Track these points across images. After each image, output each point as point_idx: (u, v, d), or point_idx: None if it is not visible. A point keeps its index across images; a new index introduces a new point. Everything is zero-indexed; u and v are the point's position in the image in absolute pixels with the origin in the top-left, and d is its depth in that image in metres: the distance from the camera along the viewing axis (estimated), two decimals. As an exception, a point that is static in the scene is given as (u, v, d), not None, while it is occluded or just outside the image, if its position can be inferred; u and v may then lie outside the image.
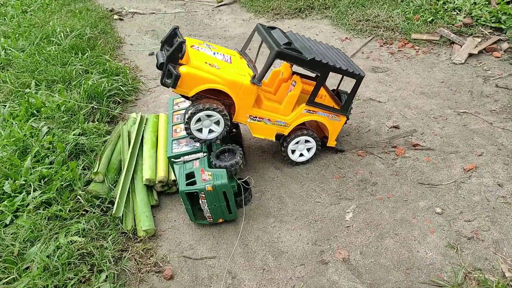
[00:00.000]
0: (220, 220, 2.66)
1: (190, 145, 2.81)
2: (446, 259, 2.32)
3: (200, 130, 2.67)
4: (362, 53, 4.58)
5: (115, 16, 6.14)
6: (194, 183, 2.51)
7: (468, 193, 2.70)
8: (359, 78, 2.83)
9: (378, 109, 3.62)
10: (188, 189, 2.48)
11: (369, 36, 4.84)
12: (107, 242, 2.40)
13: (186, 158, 2.70)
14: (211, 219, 2.63)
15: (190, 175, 2.60)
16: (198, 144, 2.80)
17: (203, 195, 2.50)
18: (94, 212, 2.57)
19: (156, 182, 2.85)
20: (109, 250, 2.35)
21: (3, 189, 2.59)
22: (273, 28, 2.98)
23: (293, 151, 3.01)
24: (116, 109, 3.75)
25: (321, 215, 2.68)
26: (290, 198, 2.82)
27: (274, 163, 3.15)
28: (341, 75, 2.95)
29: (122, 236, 2.54)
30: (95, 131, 3.28)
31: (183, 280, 2.35)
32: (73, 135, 3.09)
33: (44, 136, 3.07)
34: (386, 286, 2.21)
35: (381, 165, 3.02)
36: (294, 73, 3.08)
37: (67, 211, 2.50)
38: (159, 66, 2.51)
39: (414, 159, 3.02)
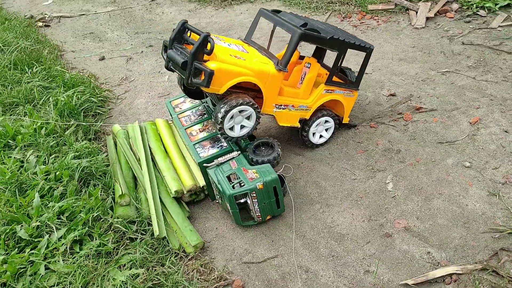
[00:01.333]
0: (268, 217, 2.56)
1: (216, 147, 2.64)
2: (493, 206, 2.50)
3: (231, 128, 2.52)
4: (325, 29, 4.69)
5: (39, 24, 5.46)
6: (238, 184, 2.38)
7: (484, 143, 2.93)
8: (370, 51, 2.89)
9: (368, 81, 3.74)
10: (237, 192, 2.34)
11: (326, 13, 4.95)
12: (169, 267, 2.17)
13: (220, 160, 2.54)
14: (260, 218, 2.52)
15: (229, 178, 2.45)
16: (225, 144, 2.65)
17: (254, 195, 2.38)
18: (141, 238, 2.30)
19: (185, 192, 2.64)
20: (177, 275, 2.13)
21: (18, 235, 2.20)
22: (278, 11, 2.89)
23: (313, 134, 2.99)
24: (98, 122, 3.37)
25: (363, 191, 2.71)
26: (325, 181, 2.81)
27: (293, 150, 3.10)
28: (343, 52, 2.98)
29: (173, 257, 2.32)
30: (89, 151, 2.92)
31: (257, 286, 2.23)
32: (71, 158, 2.72)
33: (35, 167, 2.65)
34: (454, 243, 2.33)
35: (396, 132, 3.13)
36: (301, 57, 3.04)
37: (109, 244, 2.20)
38: (182, 65, 2.29)
39: (423, 121, 3.19)
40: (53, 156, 2.75)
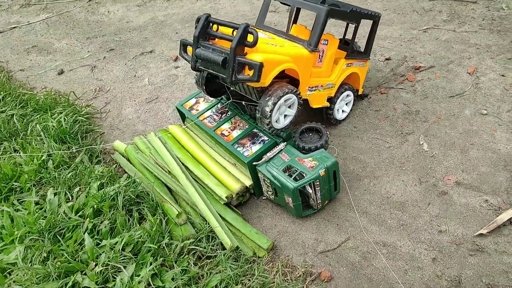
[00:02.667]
0: (326, 202, 2.53)
1: (257, 142, 2.53)
2: (522, 145, 2.72)
3: (276, 120, 2.42)
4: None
5: (-36, 45, 4.73)
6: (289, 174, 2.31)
7: (489, 90, 3.14)
8: (378, 19, 2.92)
9: (357, 49, 3.80)
10: (302, 183, 2.27)
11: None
12: (263, 277, 2.06)
13: (269, 155, 2.43)
14: (320, 205, 2.48)
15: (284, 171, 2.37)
16: (265, 138, 2.54)
17: (317, 183, 2.32)
18: (216, 254, 2.15)
19: (234, 196, 2.50)
20: (275, 283, 2.03)
21: (84, 286, 1.94)
22: None
23: (337, 110, 2.98)
24: (100, 144, 3.05)
25: (402, 156, 2.78)
26: (362, 154, 2.83)
27: (316, 130, 3.07)
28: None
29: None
30: (110, 175, 2.64)
31: (343, 272, 2.21)
32: (98, 188, 2.44)
33: (60, 206, 2.34)
34: (503, 186, 2.49)
35: (407, 94, 3.24)
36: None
37: (192, 268, 2.03)
38: (223, 63, 2.12)
39: (426, 79, 3.33)
40: (75, 189, 2.44)
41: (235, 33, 2.19)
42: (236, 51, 2.10)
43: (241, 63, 2.12)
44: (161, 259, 2.04)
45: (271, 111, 2.29)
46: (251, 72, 2.14)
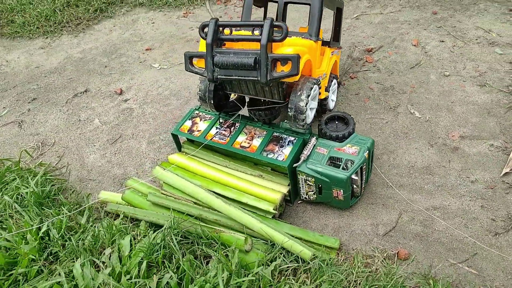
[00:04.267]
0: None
1: (286, 144, 2.42)
2: (490, 91, 3.09)
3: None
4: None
5: None
6: (335, 166, 2.26)
7: (438, 55, 3.53)
8: (343, 7, 3.05)
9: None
10: (353, 171, 2.23)
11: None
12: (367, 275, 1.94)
13: (305, 153, 2.33)
14: (363, 190, 2.46)
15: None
16: (291, 138, 2.44)
17: (364, 167, 2.31)
18: (321, 263, 1.96)
19: (277, 206, 2.34)
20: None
21: None
22: None
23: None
24: (90, 202, 2.57)
25: (403, 127, 2.93)
26: (367, 135, 2.91)
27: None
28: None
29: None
30: (124, 227, 2.25)
31: (414, 245, 2.22)
32: (132, 246, 2.05)
33: (96, 277, 1.90)
34: (497, 129, 2.80)
35: (374, 74, 3.44)
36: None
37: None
38: (254, 64, 1.98)
39: (383, 58, 3.59)
40: (106, 252, 2.00)
41: (256, 32, 2.08)
42: (267, 48, 1.98)
43: (275, 59, 2.00)
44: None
45: (306, 104, 2.20)
46: (285, 68, 2.03)
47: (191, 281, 1.85)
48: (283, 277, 1.90)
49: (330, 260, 2.03)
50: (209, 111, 2.71)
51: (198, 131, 2.60)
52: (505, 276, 2.03)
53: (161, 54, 4.10)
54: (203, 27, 2.15)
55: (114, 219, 2.49)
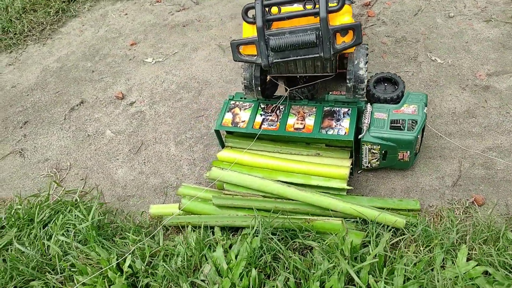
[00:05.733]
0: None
1: (342, 118, 2.35)
2: (497, 25, 3.15)
3: None
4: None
5: None
6: (399, 128, 2.24)
7: (436, -3, 3.53)
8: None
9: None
10: (418, 130, 2.21)
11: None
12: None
13: (365, 121, 2.28)
14: (420, 147, 2.47)
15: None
16: (344, 110, 2.36)
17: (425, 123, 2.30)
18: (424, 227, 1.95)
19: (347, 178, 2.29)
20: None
21: None
22: None
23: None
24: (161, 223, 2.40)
25: (429, 75, 2.94)
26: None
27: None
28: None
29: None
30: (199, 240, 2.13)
31: (484, 189, 2.28)
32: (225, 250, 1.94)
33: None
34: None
35: (381, 27, 3.41)
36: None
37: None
38: (316, 39, 1.87)
39: (383, 9, 3.57)
40: (204, 270, 1.89)
41: (308, 6, 1.94)
42: (327, 21, 1.87)
43: (337, 31, 1.90)
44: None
45: (366, 71, 2.13)
46: (346, 38, 1.94)
47: (306, 278, 1.80)
48: (394, 250, 1.89)
49: (427, 222, 2.03)
50: (245, 98, 2.57)
51: (242, 121, 2.46)
52: None
53: (150, 46, 3.81)
54: (246, 10, 1.99)
55: (177, 233, 2.37)
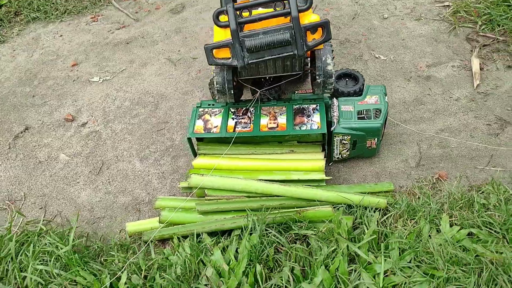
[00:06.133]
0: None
1: (312, 114, 2.46)
2: (432, 5, 3.52)
3: None
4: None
5: None
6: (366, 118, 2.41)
7: (367, 2, 3.83)
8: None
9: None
10: (383, 118, 2.38)
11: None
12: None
13: (335, 115, 2.41)
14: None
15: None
16: (313, 106, 2.48)
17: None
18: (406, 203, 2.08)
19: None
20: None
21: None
22: None
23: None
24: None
25: (376, 70, 3.18)
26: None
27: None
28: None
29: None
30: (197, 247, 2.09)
31: (447, 165, 2.51)
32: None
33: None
34: (449, 51, 3.23)
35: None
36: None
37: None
38: (291, 38, 1.96)
39: (323, 16, 3.77)
40: (200, 278, 1.84)
41: (277, 8, 2.03)
42: (299, 19, 1.97)
43: (308, 28, 2.00)
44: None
45: (334, 66, 2.25)
46: (316, 35, 2.05)
47: (309, 266, 1.83)
48: (384, 228, 2.00)
49: (406, 199, 2.18)
50: (213, 105, 2.58)
51: (215, 127, 2.46)
52: (525, 163, 2.44)
53: (94, 66, 3.66)
54: (218, 14, 2.02)
55: (159, 247, 2.28)
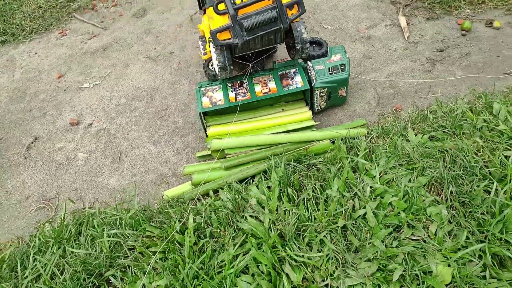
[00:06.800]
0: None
1: (295, 76, 3.05)
2: (358, -5, 4.25)
3: None
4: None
5: None
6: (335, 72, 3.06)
7: None
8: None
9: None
10: (349, 68, 3.04)
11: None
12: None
13: (313, 73, 3.03)
14: (347, 86, 3.33)
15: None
16: (293, 69, 3.08)
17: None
18: (375, 134, 2.75)
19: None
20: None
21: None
22: None
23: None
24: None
25: (330, 38, 3.84)
26: (312, 54, 3.73)
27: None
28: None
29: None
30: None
31: (399, 99, 3.24)
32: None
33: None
34: (373, 15, 3.98)
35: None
36: None
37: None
38: (277, 14, 2.54)
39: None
40: (247, 209, 2.38)
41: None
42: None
43: (287, 6, 2.59)
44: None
45: (307, 34, 2.86)
46: (293, 11, 2.64)
47: (325, 183, 2.45)
48: (370, 143, 2.66)
49: (379, 125, 2.87)
50: (212, 84, 3.09)
51: (219, 100, 2.98)
52: (453, 88, 3.23)
53: (79, 74, 3.98)
54: (217, 4, 2.53)
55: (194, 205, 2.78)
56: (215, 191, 2.72)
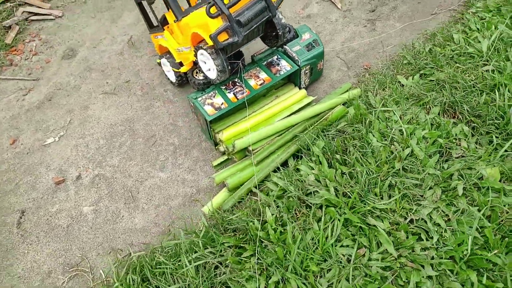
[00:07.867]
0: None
1: (280, 63, 3.19)
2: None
3: None
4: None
5: None
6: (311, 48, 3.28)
7: None
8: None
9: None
10: (321, 42, 3.28)
11: None
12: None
13: (295, 55, 3.19)
14: (316, 60, 3.56)
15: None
16: (275, 57, 3.21)
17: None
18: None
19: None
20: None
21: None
22: None
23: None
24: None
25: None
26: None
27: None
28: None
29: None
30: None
31: (365, 59, 3.59)
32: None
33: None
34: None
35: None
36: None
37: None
38: (266, 4, 2.64)
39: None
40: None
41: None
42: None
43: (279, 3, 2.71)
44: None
45: (285, 20, 3.00)
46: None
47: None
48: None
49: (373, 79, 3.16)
50: (203, 92, 3.05)
51: (222, 104, 2.97)
52: (400, 37, 3.67)
53: (35, 132, 3.53)
54: (209, 8, 2.53)
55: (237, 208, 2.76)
56: (249, 191, 2.73)
